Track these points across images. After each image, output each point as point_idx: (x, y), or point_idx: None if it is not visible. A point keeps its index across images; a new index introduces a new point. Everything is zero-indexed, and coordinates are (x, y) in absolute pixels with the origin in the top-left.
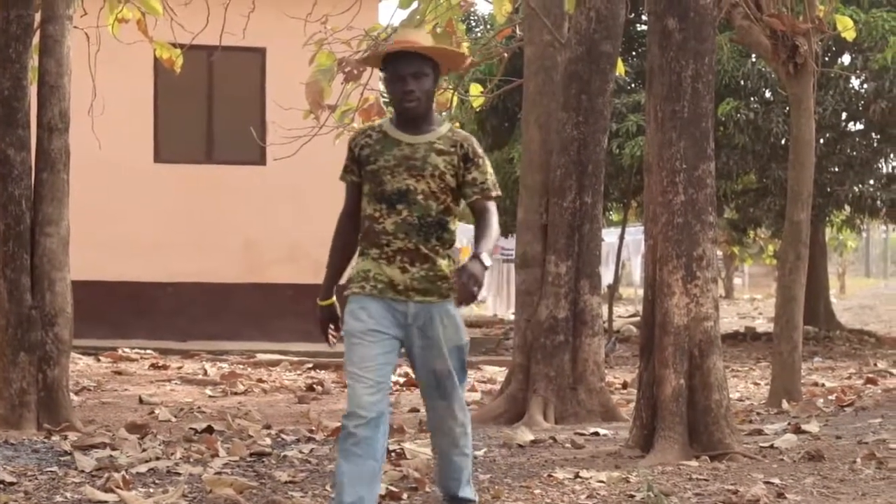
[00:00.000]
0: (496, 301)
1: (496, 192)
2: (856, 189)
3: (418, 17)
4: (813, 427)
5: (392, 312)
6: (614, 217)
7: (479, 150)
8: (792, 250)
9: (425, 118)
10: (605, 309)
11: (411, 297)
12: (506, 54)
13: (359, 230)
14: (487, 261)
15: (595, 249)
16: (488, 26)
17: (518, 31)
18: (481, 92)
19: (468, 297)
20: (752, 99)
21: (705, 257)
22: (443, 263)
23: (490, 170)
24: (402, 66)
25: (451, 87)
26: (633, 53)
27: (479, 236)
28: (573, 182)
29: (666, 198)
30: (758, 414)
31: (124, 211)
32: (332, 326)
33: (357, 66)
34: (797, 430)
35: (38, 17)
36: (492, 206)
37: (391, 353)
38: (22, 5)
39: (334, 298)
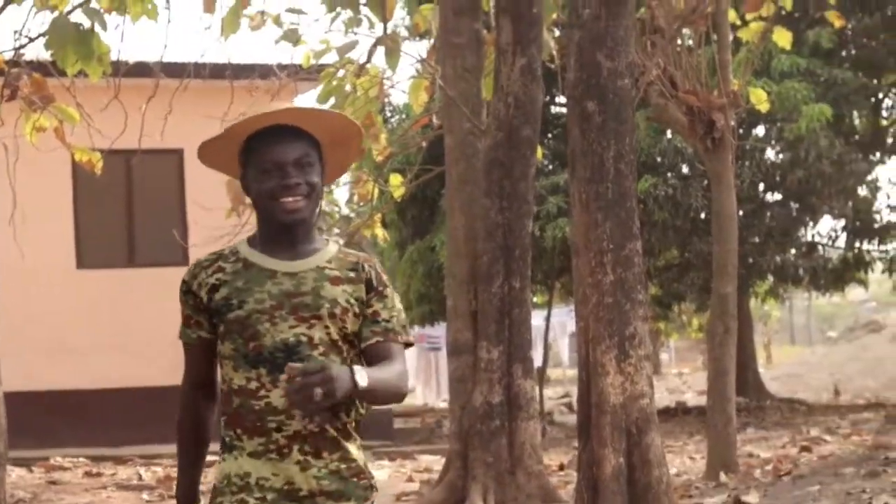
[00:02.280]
0: (425, 390)
1: (405, 337)
2: (777, 259)
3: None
4: (752, 498)
5: None
6: (538, 300)
7: (385, 277)
8: (721, 323)
9: (308, 233)
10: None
11: None
12: (424, 143)
13: (214, 405)
14: (362, 381)
15: (525, 333)
16: (403, 116)
17: (435, 120)
18: (401, 182)
19: (302, 400)
20: (669, 175)
21: (637, 335)
22: (355, 447)
23: (399, 306)
24: (280, 151)
25: (371, 178)
26: (549, 135)
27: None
28: (500, 268)
29: (595, 278)
30: (696, 488)
31: (51, 318)
32: None
33: None
34: (737, 502)
35: None
36: (398, 353)
37: None
38: None
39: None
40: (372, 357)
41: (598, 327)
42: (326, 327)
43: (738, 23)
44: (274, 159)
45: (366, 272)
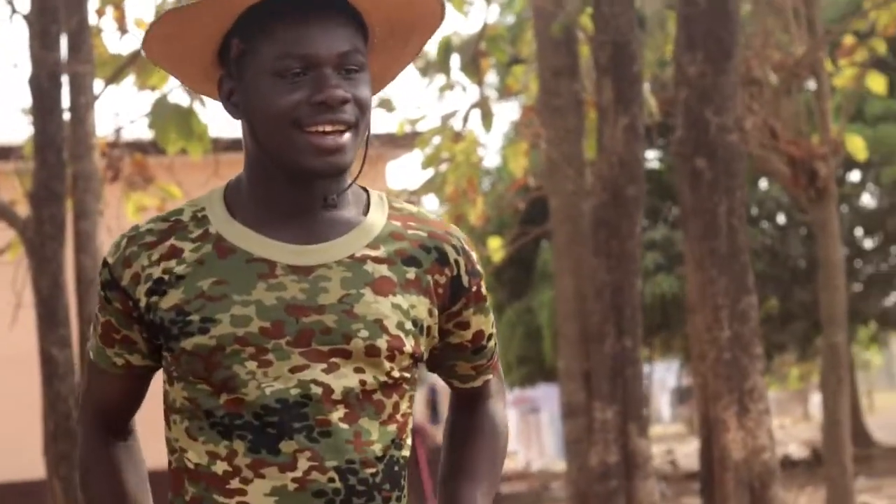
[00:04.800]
0: (527, 453)
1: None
2: (879, 304)
3: (440, 178)
4: None
5: None
6: None
7: (476, 259)
8: (833, 374)
9: (340, 193)
10: None
11: None
12: (521, 205)
13: (135, 454)
14: None
15: (639, 391)
16: (495, 178)
17: (531, 182)
18: (500, 245)
19: None
20: (765, 225)
21: (756, 389)
22: None
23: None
24: (314, 38)
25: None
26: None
27: (470, 469)
28: (611, 327)
29: (712, 335)
30: None
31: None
32: None
33: None
34: None
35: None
36: (500, 387)
37: None
38: (54, 205)
39: None
40: (469, 400)
41: (717, 383)
42: (360, 370)
43: (832, 69)
44: (303, 52)
45: (450, 264)
